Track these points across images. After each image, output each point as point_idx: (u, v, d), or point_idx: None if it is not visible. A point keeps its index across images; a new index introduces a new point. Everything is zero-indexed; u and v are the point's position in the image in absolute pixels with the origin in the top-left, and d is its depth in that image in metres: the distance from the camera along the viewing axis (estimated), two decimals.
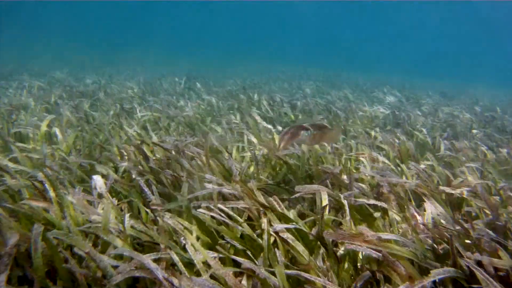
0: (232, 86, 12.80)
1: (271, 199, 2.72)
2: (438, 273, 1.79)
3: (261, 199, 2.73)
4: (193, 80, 13.43)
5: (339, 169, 3.35)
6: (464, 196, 3.05)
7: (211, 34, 74.57)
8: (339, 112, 7.48)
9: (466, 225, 2.22)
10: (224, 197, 2.95)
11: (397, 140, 4.91)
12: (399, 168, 3.90)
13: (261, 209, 2.57)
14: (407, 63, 44.51)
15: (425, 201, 2.89)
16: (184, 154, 3.80)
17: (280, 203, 2.72)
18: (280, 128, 5.51)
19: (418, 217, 2.47)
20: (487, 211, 2.86)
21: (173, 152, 3.80)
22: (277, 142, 4.35)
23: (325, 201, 2.62)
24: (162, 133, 5.23)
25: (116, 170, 3.63)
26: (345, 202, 2.60)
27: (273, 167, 3.86)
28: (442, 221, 2.52)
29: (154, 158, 3.79)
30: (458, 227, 2.38)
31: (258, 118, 5.83)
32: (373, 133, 5.24)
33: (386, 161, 3.93)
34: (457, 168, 4.09)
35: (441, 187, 3.20)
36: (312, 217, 2.64)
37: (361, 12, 72.45)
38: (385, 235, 2.12)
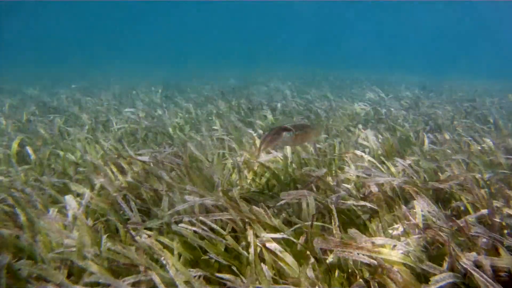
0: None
1: (256, 208, 2.59)
2: (437, 280, 1.69)
3: (245, 209, 2.60)
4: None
5: (324, 171, 3.24)
6: (453, 190, 2.97)
7: (209, 35, 74.20)
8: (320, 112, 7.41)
9: (460, 223, 2.13)
10: (207, 209, 2.81)
11: (381, 136, 4.85)
12: (385, 166, 3.82)
13: (246, 219, 2.44)
14: (407, 61, 44.64)
15: (414, 198, 2.80)
16: (163, 165, 3.65)
17: (268, 210, 2.60)
18: (260, 132, 5.38)
19: (410, 217, 2.37)
20: (477, 205, 2.79)
21: (152, 165, 3.65)
22: (258, 146, 4.23)
23: (312, 207, 2.51)
24: (140, 145, 5.05)
25: (92, 187, 3.46)
26: (332, 206, 2.49)
27: (256, 173, 3.73)
28: (434, 219, 2.42)
29: (132, 172, 3.63)
30: (451, 224, 2.29)
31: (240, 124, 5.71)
32: (356, 130, 5.15)
33: (371, 159, 3.84)
34: (443, 161, 4.03)
35: (430, 182, 3.12)
36: (299, 225, 2.51)
37: (362, 12, 72.63)
38: (378, 240, 2.01)
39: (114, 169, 3.57)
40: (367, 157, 3.77)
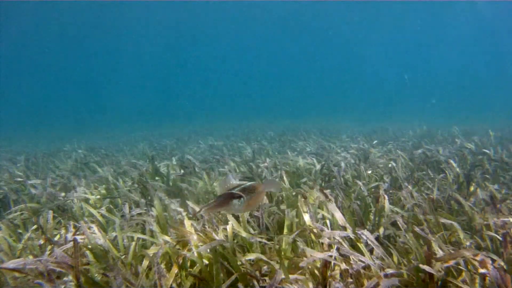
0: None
1: None
2: None
3: None
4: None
5: (280, 276, 2.32)
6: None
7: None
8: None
9: None
10: None
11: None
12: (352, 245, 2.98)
13: None
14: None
15: None
16: (48, 275, 2.53)
17: None
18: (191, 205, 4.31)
19: None
20: None
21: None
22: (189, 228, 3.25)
23: None
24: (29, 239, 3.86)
25: None
26: None
27: (182, 268, 2.72)
28: None
29: None
30: None
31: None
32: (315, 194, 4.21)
33: (338, 237, 2.98)
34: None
35: (420, 266, 2.30)
36: None
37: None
38: None
39: None
40: (334, 236, 2.90)
